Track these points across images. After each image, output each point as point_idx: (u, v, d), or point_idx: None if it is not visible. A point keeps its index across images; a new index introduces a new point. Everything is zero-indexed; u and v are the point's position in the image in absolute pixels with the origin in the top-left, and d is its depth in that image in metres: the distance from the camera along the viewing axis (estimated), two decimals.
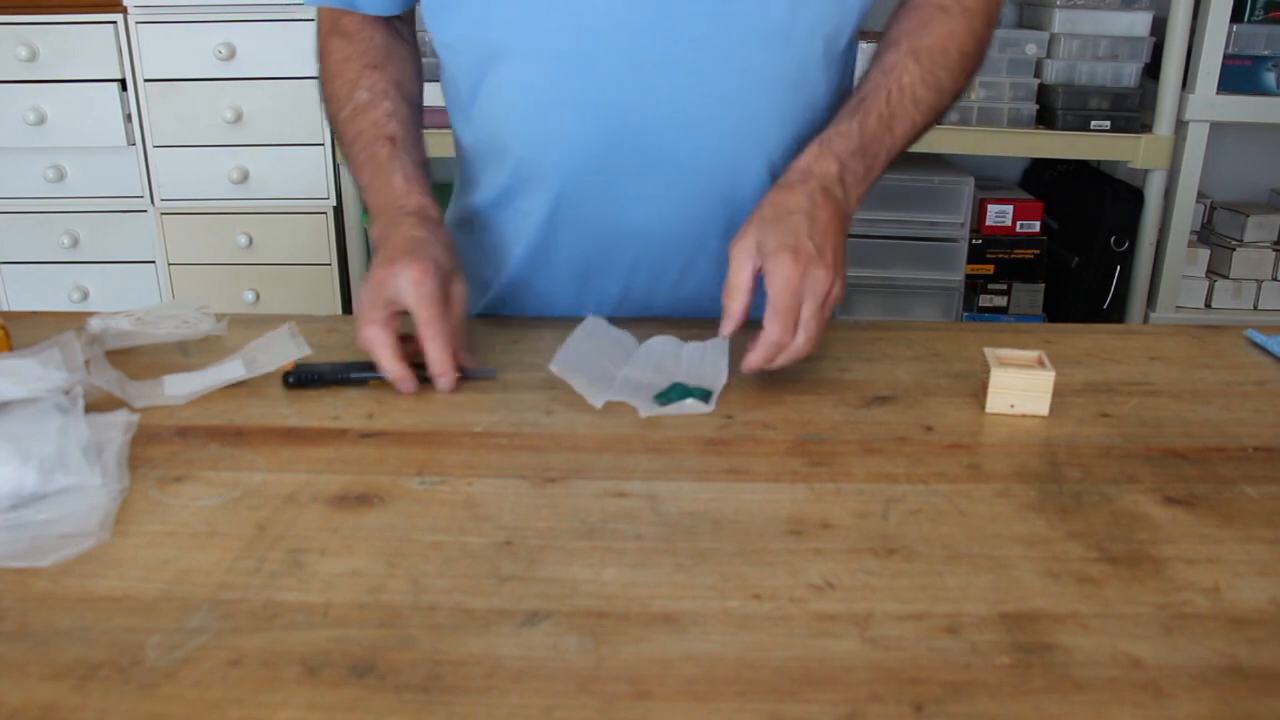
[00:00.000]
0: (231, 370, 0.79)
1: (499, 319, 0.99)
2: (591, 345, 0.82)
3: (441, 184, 0.95)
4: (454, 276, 0.81)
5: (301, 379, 0.79)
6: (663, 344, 0.84)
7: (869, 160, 0.84)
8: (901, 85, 0.86)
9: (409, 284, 0.77)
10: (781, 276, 0.75)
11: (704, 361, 0.82)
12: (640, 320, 0.91)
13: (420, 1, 0.91)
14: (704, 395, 0.77)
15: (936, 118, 0.89)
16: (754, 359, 0.76)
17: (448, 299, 0.79)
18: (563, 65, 0.85)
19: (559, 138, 0.88)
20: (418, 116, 0.95)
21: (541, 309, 0.99)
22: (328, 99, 0.95)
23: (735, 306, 0.77)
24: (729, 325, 0.78)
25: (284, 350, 0.81)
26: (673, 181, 0.89)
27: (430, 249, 0.80)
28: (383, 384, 0.79)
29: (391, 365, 0.77)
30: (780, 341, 0.76)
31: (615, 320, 0.87)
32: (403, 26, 0.98)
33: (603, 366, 0.80)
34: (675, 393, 0.76)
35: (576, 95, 0.85)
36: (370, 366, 0.78)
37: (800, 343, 0.76)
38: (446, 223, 0.91)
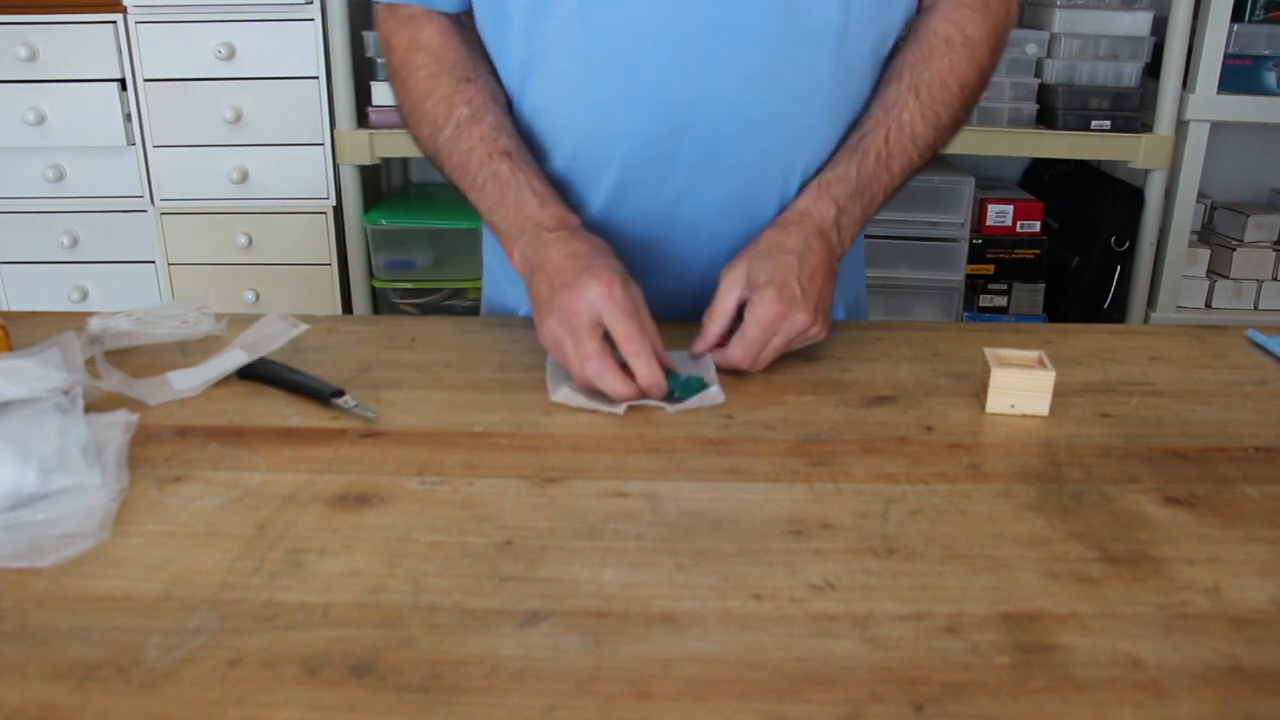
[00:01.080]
0: (234, 358, 0.80)
1: (499, 319, 0.99)
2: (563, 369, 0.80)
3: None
4: (629, 280, 0.78)
5: (254, 374, 0.78)
6: None
7: (865, 201, 0.88)
8: (901, 123, 0.88)
9: (599, 300, 0.75)
10: (762, 311, 0.79)
11: (688, 360, 0.82)
12: (681, 323, 0.90)
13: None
14: (702, 384, 0.77)
15: (935, 152, 0.91)
16: (701, 351, 0.82)
17: (636, 306, 0.77)
18: (618, 62, 0.84)
19: (614, 133, 0.88)
20: (516, 126, 0.91)
21: None
22: (420, 119, 0.91)
23: (713, 329, 0.82)
24: (702, 344, 0.82)
25: (280, 333, 0.82)
26: (726, 178, 0.89)
27: (598, 258, 0.79)
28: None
29: (627, 390, 0.75)
30: (737, 364, 0.81)
31: (662, 320, 0.86)
32: (471, 22, 0.94)
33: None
34: (675, 384, 0.77)
35: (633, 92, 0.85)
36: (336, 391, 0.76)
37: (753, 365, 0.81)
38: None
